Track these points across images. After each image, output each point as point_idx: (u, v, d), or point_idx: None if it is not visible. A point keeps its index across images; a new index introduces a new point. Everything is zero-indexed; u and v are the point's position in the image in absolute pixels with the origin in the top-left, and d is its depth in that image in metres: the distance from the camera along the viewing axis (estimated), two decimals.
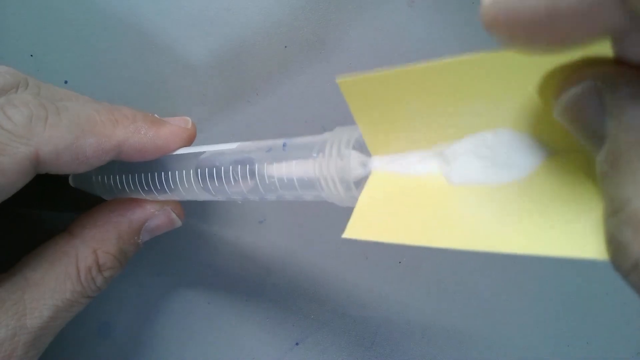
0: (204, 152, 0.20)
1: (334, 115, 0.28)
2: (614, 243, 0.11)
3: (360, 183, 0.17)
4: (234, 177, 0.18)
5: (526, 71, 0.12)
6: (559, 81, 0.12)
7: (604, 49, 0.11)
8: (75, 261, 0.20)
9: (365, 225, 0.17)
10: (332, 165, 0.17)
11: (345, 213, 0.28)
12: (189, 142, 0.21)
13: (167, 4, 0.28)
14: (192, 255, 0.27)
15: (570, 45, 0.11)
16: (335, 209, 0.27)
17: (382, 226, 0.16)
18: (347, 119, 0.29)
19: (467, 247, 0.14)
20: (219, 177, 0.19)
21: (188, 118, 0.22)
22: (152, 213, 0.22)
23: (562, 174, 0.13)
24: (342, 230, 0.28)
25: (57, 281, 0.19)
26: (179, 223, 0.22)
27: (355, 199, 0.17)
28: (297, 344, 0.26)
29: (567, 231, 0.12)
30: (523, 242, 0.13)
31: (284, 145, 0.18)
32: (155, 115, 0.21)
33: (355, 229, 0.17)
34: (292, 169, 0.17)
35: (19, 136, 0.17)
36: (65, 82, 0.27)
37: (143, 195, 0.22)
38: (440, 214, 0.15)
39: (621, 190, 0.11)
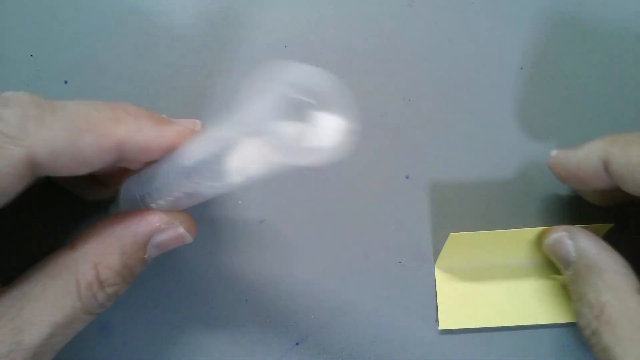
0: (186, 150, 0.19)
1: None
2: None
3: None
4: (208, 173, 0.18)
5: (532, 235, 0.25)
6: (546, 232, 0.25)
7: (607, 226, 0.25)
8: (75, 276, 0.19)
9: (452, 316, 0.26)
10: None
11: (346, 213, 0.28)
12: None
13: (167, 4, 0.28)
14: (192, 255, 0.27)
15: (590, 187, 0.23)
16: (335, 208, 0.27)
17: (465, 314, 0.26)
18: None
19: (526, 323, 0.26)
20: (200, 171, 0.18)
21: (197, 121, 0.21)
22: (158, 227, 0.20)
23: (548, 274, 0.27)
24: (342, 230, 0.28)
25: (55, 296, 0.18)
26: (189, 239, 0.21)
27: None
28: (297, 344, 0.26)
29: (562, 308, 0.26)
30: (553, 315, 0.26)
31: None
32: (163, 115, 0.20)
33: (447, 321, 0.26)
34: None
35: (11, 137, 0.16)
36: (65, 82, 0.27)
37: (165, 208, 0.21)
38: (506, 296, 0.26)
39: (580, 288, 0.23)
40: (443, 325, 0.26)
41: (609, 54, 0.29)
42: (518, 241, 0.26)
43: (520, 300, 0.26)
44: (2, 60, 0.27)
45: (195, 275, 0.27)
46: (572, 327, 0.27)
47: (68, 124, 0.17)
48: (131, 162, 0.20)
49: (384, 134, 0.28)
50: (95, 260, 0.19)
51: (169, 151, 0.20)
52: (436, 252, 0.27)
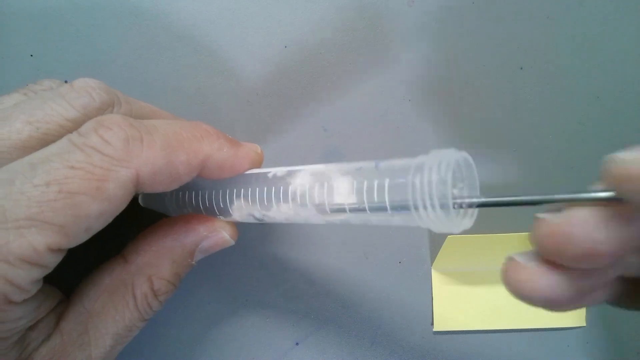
0: (270, 172, 0.20)
1: (334, 116, 0.28)
2: None
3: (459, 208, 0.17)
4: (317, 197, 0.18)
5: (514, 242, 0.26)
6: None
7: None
8: (132, 289, 0.20)
9: (447, 318, 0.26)
10: (430, 189, 0.16)
11: None
12: (258, 166, 0.22)
13: (166, 4, 0.28)
14: None
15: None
16: None
17: (460, 317, 0.26)
18: (346, 119, 0.29)
19: (515, 327, 0.26)
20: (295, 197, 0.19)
21: (257, 145, 0.22)
22: (205, 235, 0.21)
23: None
24: (343, 230, 0.28)
25: (116, 310, 0.20)
26: (231, 242, 0.22)
27: (452, 224, 0.16)
28: (297, 344, 0.26)
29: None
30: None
31: (377, 165, 0.18)
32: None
33: (441, 323, 0.26)
34: (386, 191, 0.17)
35: (119, 160, 0.17)
36: (65, 81, 0.27)
37: (216, 213, 0.22)
38: (501, 300, 0.26)
39: None
40: (438, 326, 0.26)
41: (609, 54, 0.29)
42: (514, 245, 0.26)
43: (514, 305, 0.26)
44: (2, 60, 0.27)
45: (194, 275, 0.27)
46: (565, 331, 0.27)
47: (164, 144, 0.18)
48: (205, 176, 0.21)
49: (384, 134, 0.28)
50: (149, 272, 0.20)
51: (239, 170, 0.21)
52: (434, 254, 0.27)
